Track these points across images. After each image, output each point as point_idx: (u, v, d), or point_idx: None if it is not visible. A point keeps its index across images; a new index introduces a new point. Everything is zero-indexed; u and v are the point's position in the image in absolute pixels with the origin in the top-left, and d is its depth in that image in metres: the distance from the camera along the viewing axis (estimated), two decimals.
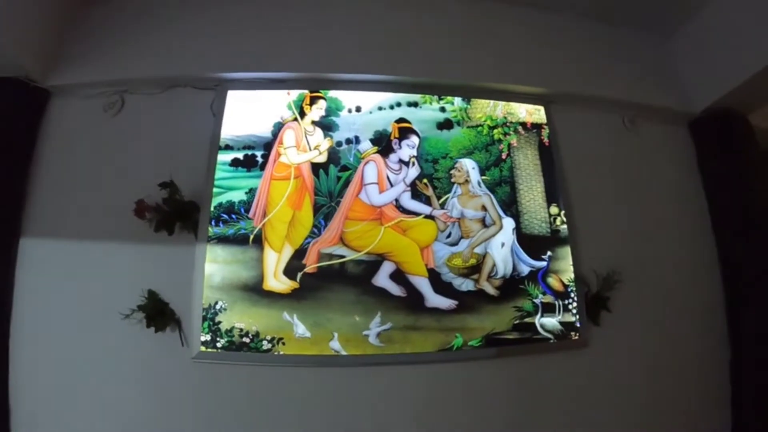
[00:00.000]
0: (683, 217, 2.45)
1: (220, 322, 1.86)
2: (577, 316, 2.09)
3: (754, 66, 2.18)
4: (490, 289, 2.02)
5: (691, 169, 2.52)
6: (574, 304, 2.10)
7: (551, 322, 2.06)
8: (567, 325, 2.08)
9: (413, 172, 2.07)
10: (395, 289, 1.94)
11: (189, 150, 2.02)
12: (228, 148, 2.02)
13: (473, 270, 2.02)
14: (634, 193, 2.39)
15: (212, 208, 1.95)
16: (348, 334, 1.89)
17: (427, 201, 2.07)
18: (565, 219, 2.17)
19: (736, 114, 2.50)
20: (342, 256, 1.95)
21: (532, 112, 2.29)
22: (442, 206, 2.07)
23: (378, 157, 2.07)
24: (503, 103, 2.27)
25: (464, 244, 2.04)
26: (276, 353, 1.85)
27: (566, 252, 2.14)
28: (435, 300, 1.96)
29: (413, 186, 2.07)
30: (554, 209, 2.17)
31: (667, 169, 2.49)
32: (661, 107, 2.49)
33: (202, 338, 1.84)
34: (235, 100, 2.10)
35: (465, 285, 2.00)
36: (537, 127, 2.28)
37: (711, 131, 2.50)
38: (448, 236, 2.04)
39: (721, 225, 2.41)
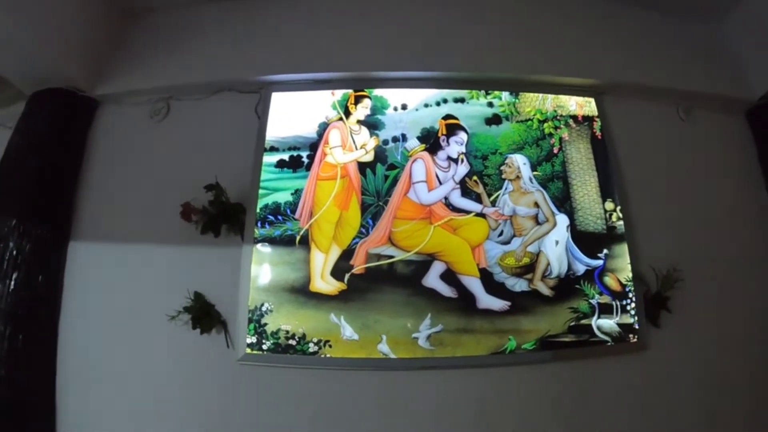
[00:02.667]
0: (743, 212, 2.30)
1: (266, 324, 1.83)
2: (636, 318, 1.98)
3: None
4: (545, 290, 1.93)
5: (750, 160, 2.37)
6: (633, 305, 1.99)
7: (608, 323, 1.96)
8: (625, 327, 1.97)
9: (462, 169, 2.01)
10: (446, 290, 1.88)
11: (234, 153, 2.02)
12: (273, 149, 2.01)
13: (527, 269, 1.94)
14: (692, 186, 2.26)
15: (258, 210, 1.94)
16: (397, 337, 1.83)
17: (478, 198, 2.00)
18: (621, 215, 2.07)
19: None
20: (391, 257, 1.90)
21: (583, 105, 2.20)
22: (493, 204, 2.00)
23: (426, 154, 2.02)
24: (552, 96, 2.19)
25: (517, 243, 1.96)
26: (323, 356, 1.81)
27: (623, 249, 2.04)
28: (487, 301, 1.88)
29: (463, 183, 2.01)
30: (609, 205, 2.07)
31: (725, 160, 2.36)
32: (717, 95, 2.36)
33: (248, 340, 1.82)
34: (280, 101, 2.09)
35: (518, 285, 1.92)
36: (588, 119, 2.18)
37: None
38: (500, 234, 1.97)
39: None
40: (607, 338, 1.94)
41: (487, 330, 1.87)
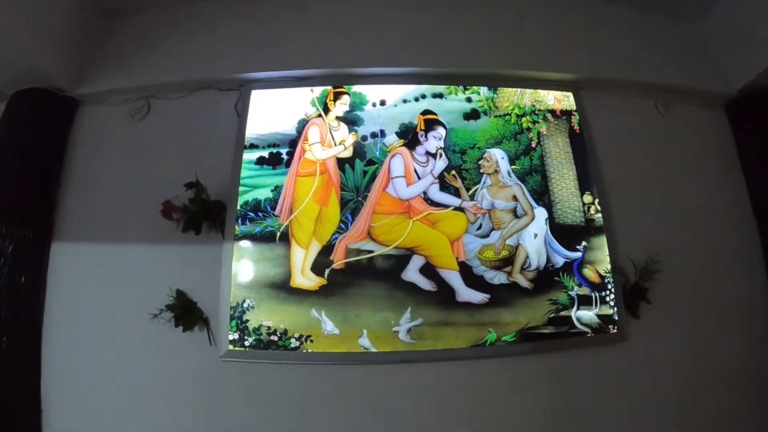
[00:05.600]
0: (722, 203, 2.33)
1: (247, 321, 1.84)
2: (615, 309, 2.00)
3: None
4: (524, 282, 1.95)
5: (729, 153, 2.40)
6: (612, 296, 2.01)
7: (588, 315, 1.98)
8: (605, 318, 1.99)
9: (441, 163, 2.03)
10: (425, 284, 1.89)
11: (215, 150, 2.03)
12: (253, 147, 2.02)
13: (506, 262, 1.96)
14: (670, 178, 2.29)
15: (238, 207, 1.95)
16: (377, 331, 1.85)
17: (456, 193, 2.02)
18: (599, 207, 2.09)
19: None
20: (370, 251, 1.92)
21: (561, 99, 2.22)
22: (472, 197, 2.02)
23: (404, 149, 2.04)
24: (531, 91, 2.21)
25: (496, 236, 1.98)
26: (304, 351, 1.83)
27: (602, 242, 2.06)
28: (467, 294, 1.90)
29: (441, 178, 2.02)
30: (588, 198, 2.09)
31: (704, 153, 2.38)
32: (696, 89, 2.39)
33: (230, 337, 1.83)
34: (259, 99, 2.10)
35: (497, 278, 1.94)
36: (567, 114, 2.20)
37: (749, 112, 2.38)
38: (479, 228, 1.99)
39: (762, 209, 2.28)
40: (586, 329, 1.96)
41: (467, 323, 1.88)
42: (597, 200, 2.10)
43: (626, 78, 2.32)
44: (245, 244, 1.92)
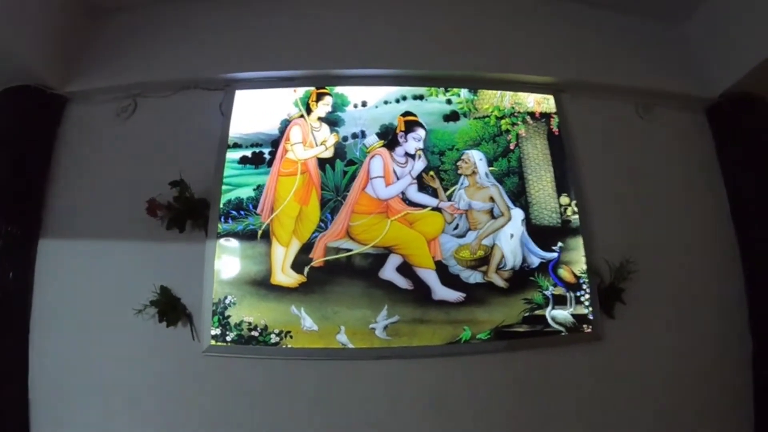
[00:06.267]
0: (701, 206, 2.37)
1: (229, 317, 1.89)
2: (590, 308, 2.04)
3: None
4: (499, 281, 1.99)
5: (708, 156, 2.43)
6: (587, 296, 2.05)
7: (563, 314, 2.02)
8: (580, 318, 2.03)
9: (419, 164, 2.07)
10: (402, 282, 1.94)
11: (199, 149, 2.07)
12: (237, 146, 2.07)
13: (481, 262, 2.00)
14: (650, 181, 2.32)
15: (221, 205, 1.99)
16: (355, 328, 1.89)
17: (434, 193, 2.06)
18: (576, 209, 2.13)
19: (757, 97, 2.40)
20: (349, 250, 1.96)
21: (541, 102, 2.26)
22: (449, 198, 2.06)
23: (384, 150, 2.08)
24: (511, 93, 2.24)
25: (472, 236, 2.02)
26: (284, 346, 1.87)
27: (578, 243, 2.10)
28: (442, 292, 1.94)
29: (419, 179, 2.07)
30: (565, 199, 2.13)
31: (684, 156, 2.42)
32: (677, 93, 2.42)
33: (213, 332, 1.88)
34: (243, 99, 2.14)
35: (473, 277, 1.98)
36: (546, 116, 2.24)
37: (730, 116, 2.41)
38: (456, 228, 2.03)
39: (741, 213, 2.31)
40: (561, 328, 2.00)
41: (443, 320, 1.93)
42: (574, 202, 2.13)
43: (607, 81, 2.35)
44: (227, 241, 1.96)
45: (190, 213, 1.97)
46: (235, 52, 2.14)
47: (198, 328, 1.91)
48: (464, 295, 1.96)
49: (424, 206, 2.03)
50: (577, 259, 2.08)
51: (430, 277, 1.95)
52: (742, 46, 2.26)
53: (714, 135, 2.48)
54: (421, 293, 1.94)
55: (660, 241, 2.25)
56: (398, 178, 2.05)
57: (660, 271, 2.19)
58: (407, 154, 2.08)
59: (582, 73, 2.32)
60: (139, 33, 2.25)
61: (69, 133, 2.14)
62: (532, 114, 2.23)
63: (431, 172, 2.08)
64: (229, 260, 1.95)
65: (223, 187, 2.01)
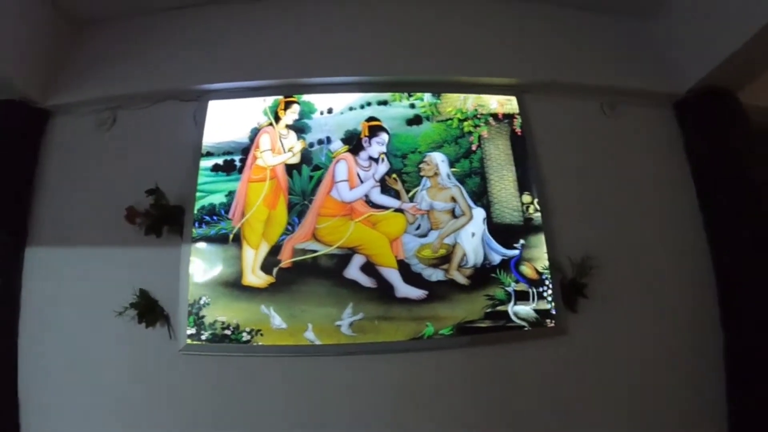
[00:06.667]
0: (670, 202, 2.40)
1: (204, 317, 1.99)
2: (553, 303, 2.09)
3: (741, 36, 2.10)
4: (461, 279, 2.06)
5: (676, 152, 2.46)
6: (550, 292, 2.11)
7: (525, 309, 2.08)
8: (542, 313, 2.09)
9: (382, 168, 2.15)
10: (366, 281, 2.02)
11: (175, 158, 2.18)
12: (209, 154, 2.17)
13: (443, 260, 2.08)
14: (615, 179, 2.36)
15: (195, 211, 2.10)
16: (321, 325, 1.98)
17: (397, 195, 2.14)
18: (538, 207, 2.18)
19: (725, 91, 2.43)
20: (315, 251, 2.05)
21: (504, 103, 2.32)
22: (411, 199, 2.13)
23: (348, 155, 2.17)
24: (474, 96, 2.30)
25: (433, 235, 2.10)
26: (255, 344, 1.97)
27: (540, 240, 2.16)
28: (405, 290, 2.02)
29: (383, 181, 2.14)
30: (527, 198, 2.19)
31: (651, 152, 2.45)
32: (643, 90, 2.46)
33: (189, 332, 1.98)
34: (216, 109, 2.24)
35: (435, 275, 2.05)
36: (509, 117, 2.30)
37: (697, 111, 2.44)
38: (418, 228, 2.10)
39: (710, 208, 2.34)
40: (524, 323, 2.06)
41: (406, 317, 2.01)
42: (536, 200, 2.19)
43: (571, 80, 2.40)
44: (201, 245, 2.07)
45: (166, 219, 2.08)
46: (208, 64, 2.25)
47: (175, 328, 2.01)
48: (426, 292, 2.03)
49: (386, 208, 2.11)
50: (539, 256, 2.14)
51: (393, 275, 2.03)
52: (709, 40, 2.29)
53: (682, 130, 2.51)
54: (384, 291, 2.03)
55: (626, 237, 2.29)
56: (362, 182, 2.13)
57: (626, 267, 2.24)
58: (371, 158, 2.17)
59: (545, 73, 2.37)
60: (117, 47, 2.36)
61: (52, 145, 2.26)
62: (495, 115, 2.30)
63: (394, 175, 2.16)
64: (203, 263, 2.06)
65: (197, 194, 2.12)
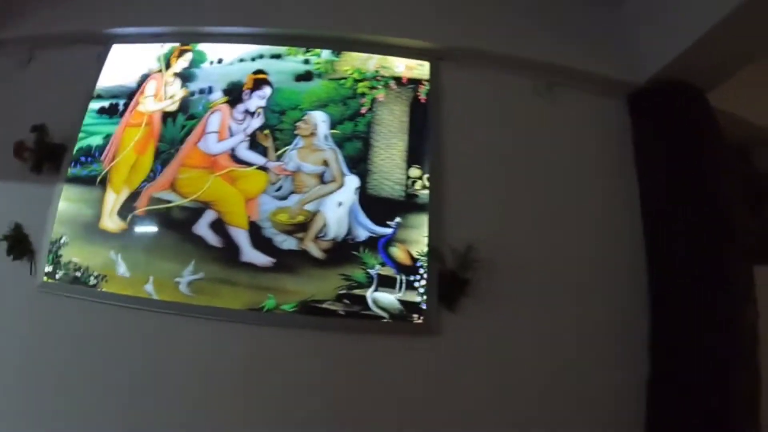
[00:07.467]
0: (604, 203, 2.02)
1: (61, 256, 1.95)
2: (425, 297, 1.78)
3: (706, 22, 1.75)
4: (316, 251, 1.82)
5: (622, 148, 2.06)
6: (423, 283, 1.79)
7: (388, 298, 1.80)
8: (410, 306, 1.79)
9: (255, 122, 1.98)
10: (213, 239, 1.87)
11: (71, 100, 2.18)
12: (99, 97, 2.15)
13: (300, 228, 1.85)
14: (540, 168, 2.02)
15: (75, 152, 2.07)
16: (161, 279, 1.86)
17: (265, 152, 1.95)
18: (427, 183, 1.88)
19: (692, 89, 2.00)
20: (169, 201, 1.93)
21: (413, 68, 2.05)
22: (279, 158, 1.93)
23: (225, 107, 2.03)
24: (380, 57, 2.06)
25: (294, 199, 1.88)
26: (100, 290, 1.88)
27: (422, 220, 1.85)
28: (251, 255, 1.83)
29: (253, 137, 1.97)
30: (415, 171, 1.90)
31: (590, 145, 2.10)
32: (590, 74, 2.11)
33: (47, 269, 1.94)
34: (119, 53, 2.22)
35: (287, 243, 1.84)
36: (415, 83, 2.03)
37: (656, 106, 2.05)
38: (278, 189, 1.90)
39: (650, 204, 1.97)
40: (383, 314, 1.78)
41: (247, 284, 1.82)
42: (426, 176, 1.89)
43: (498, 51, 2.07)
44: (73, 185, 2.04)
45: (48, 156, 2.07)
46: (115, 8, 2.23)
47: (36, 265, 1.99)
48: (274, 260, 1.82)
49: (250, 164, 1.93)
50: (417, 239, 1.84)
51: (241, 237, 1.85)
52: (675, 25, 1.93)
53: (633, 124, 2.08)
54: (230, 253, 1.85)
55: (545, 235, 1.95)
56: (232, 135, 1.97)
57: (539, 269, 1.91)
58: (247, 112, 2.01)
59: (467, 40, 2.07)
60: None
61: None
62: (398, 79, 2.04)
63: (266, 131, 1.98)
64: (70, 203, 2.02)
65: (80, 135, 2.09)
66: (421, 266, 1.82)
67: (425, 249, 1.83)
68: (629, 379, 1.85)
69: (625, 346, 1.87)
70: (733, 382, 1.76)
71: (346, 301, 1.79)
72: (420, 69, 2.05)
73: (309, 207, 1.87)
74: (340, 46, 2.08)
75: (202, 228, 1.88)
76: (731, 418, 1.74)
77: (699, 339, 1.79)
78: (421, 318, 1.78)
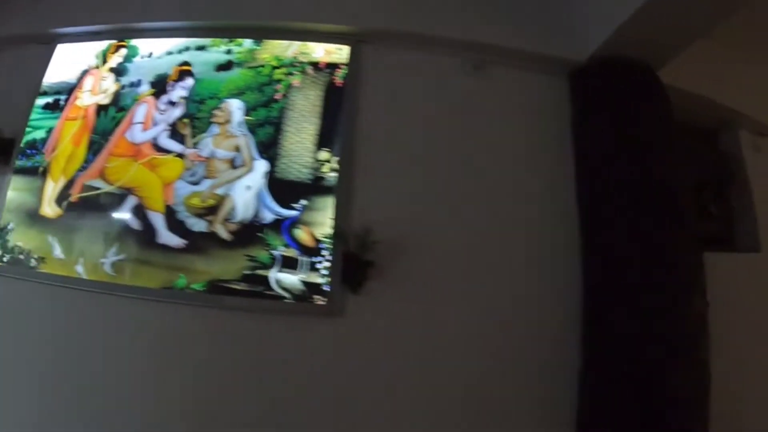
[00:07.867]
0: (536, 181, 1.97)
1: (8, 241, 2.11)
2: (329, 279, 1.81)
3: None
4: (223, 233, 1.89)
5: (562, 126, 2.02)
6: (327, 264, 1.83)
7: (290, 279, 1.84)
8: (312, 287, 1.83)
9: (177, 112, 2.07)
10: (133, 222, 1.97)
11: (21, 97, 2.33)
12: (45, 93, 2.30)
13: (210, 211, 1.93)
14: (464, 150, 2.01)
15: (22, 145, 2.23)
16: (90, 260, 1.98)
17: (184, 140, 2.04)
18: (337, 166, 1.91)
19: (638, 63, 1.94)
20: (98, 188, 2.05)
21: (332, 52, 2.09)
22: (195, 145, 2.01)
23: (151, 98, 2.13)
24: (300, 43, 2.10)
25: (206, 184, 1.95)
26: (39, 271, 2.02)
27: (328, 203, 1.89)
28: (166, 237, 1.93)
29: (174, 125, 2.06)
30: (324, 155, 1.94)
31: (523, 123, 2.04)
32: (523, 52, 2.06)
33: None
34: (64, 52, 2.36)
35: (198, 225, 1.92)
36: (332, 67, 2.06)
37: (596, 82, 2.01)
38: (192, 175, 1.98)
39: (588, 194, 1.91)
40: (286, 294, 1.83)
41: (161, 265, 1.91)
42: (335, 159, 1.92)
43: (419, 31, 2.08)
44: (20, 176, 2.20)
45: (1, 151, 2.25)
46: (60, 9, 2.37)
47: None
48: (186, 242, 1.90)
49: (170, 152, 2.02)
50: (321, 221, 1.88)
51: (158, 220, 1.95)
52: (609, 3, 1.89)
53: (573, 101, 2.03)
54: (148, 235, 1.95)
55: (465, 220, 1.94)
56: (155, 125, 2.07)
57: (436, 256, 1.92)
58: (170, 102, 2.10)
59: (385, 20, 2.07)
60: None
61: None
62: (315, 64, 2.07)
63: (185, 120, 2.06)
64: (17, 192, 2.18)
65: (27, 129, 2.25)
66: (325, 248, 1.85)
67: (330, 231, 1.85)
68: (560, 366, 1.83)
69: (555, 332, 1.83)
70: (672, 374, 1.69)
71: (251, 282, 1.84)
72: (338, 53, 2.08)
73: (219, 191, 1.94)
74: (261, 34, 2.13)
75: (126, 212, 1.98)
76: (669, 410, 1.67)
77: (633, 327, 1.72)
78: (325, 299, 1.81)
